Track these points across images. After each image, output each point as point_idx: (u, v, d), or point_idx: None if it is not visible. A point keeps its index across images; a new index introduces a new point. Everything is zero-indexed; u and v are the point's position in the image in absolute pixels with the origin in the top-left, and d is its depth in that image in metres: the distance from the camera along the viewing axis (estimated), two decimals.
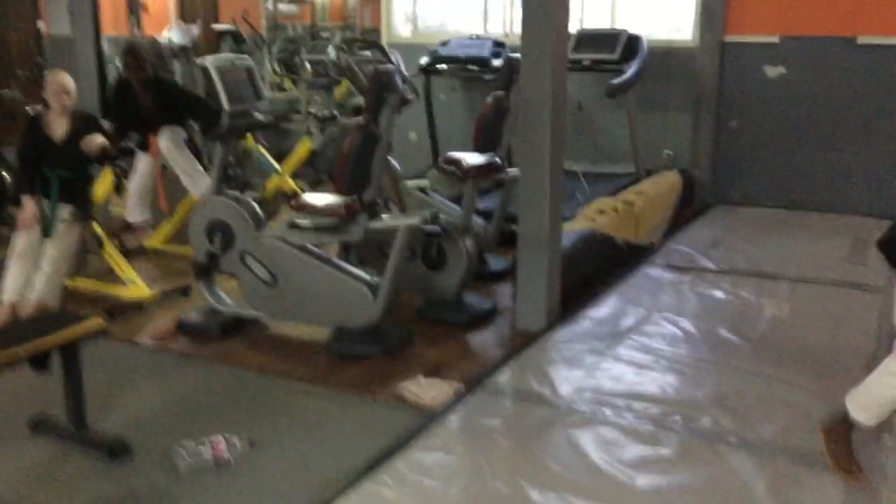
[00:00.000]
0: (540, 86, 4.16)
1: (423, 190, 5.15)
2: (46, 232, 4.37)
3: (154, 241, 5.80)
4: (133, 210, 5.77)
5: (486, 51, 7.26)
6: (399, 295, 4.16)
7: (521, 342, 4.16)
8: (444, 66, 7.41)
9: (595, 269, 5.12)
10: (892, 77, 6.53)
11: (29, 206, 4.36)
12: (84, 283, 4.89)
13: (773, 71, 6.94)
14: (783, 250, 5.83)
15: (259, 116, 4.64)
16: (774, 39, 6.88)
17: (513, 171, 4.78)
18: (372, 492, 2.84)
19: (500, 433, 3.28)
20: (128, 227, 5.80)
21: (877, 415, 2.86)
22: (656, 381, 3.72)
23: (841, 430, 2.94)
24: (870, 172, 6.68)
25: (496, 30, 8.23)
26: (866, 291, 4.88)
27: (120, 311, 4.55)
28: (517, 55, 4.95)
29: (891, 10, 6.45)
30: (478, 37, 7.69)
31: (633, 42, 6.78)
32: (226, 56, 5.57)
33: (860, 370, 3.39)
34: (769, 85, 6.96)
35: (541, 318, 4.34)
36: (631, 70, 6.47)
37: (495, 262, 5.26)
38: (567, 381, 3.71)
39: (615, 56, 6.67)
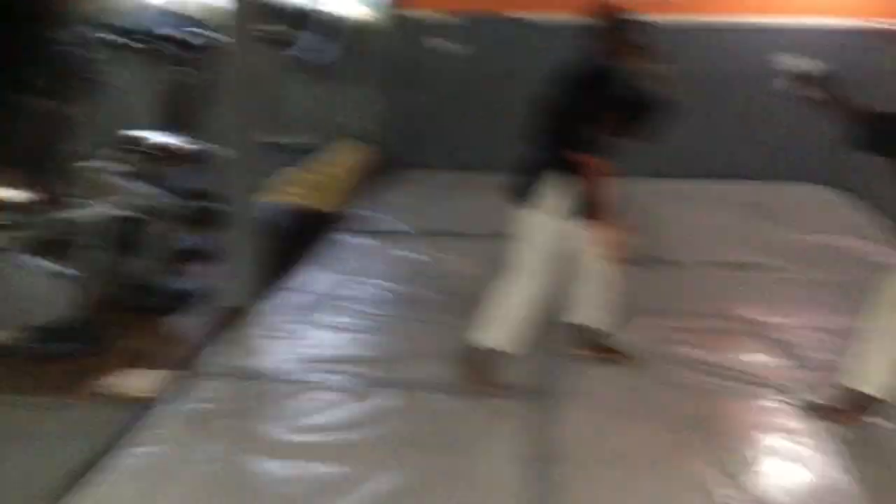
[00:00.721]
0: (234, 62, 4.20)
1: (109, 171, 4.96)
2: None
3: None
4: None
5: (175, 26, 7.02)
6: (99, 286, 4.03)
7: (227, 320, 4.23)
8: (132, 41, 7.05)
9: (293, 240, 5.30)
10: (551, 51, 7.31)
11: None
12: None
13: (448, 45, 7.48)
14: (463, 210, 6.42)
15: None
16: (448, 16, 7.41)
17: (208, 147, 4.76)
18: (91, 495, 2.78)
19: (215, 413, 3.35)
20: None
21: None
22: (359, 342, 4.04)
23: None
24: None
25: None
26: None
27: None
28: (212, 34, 4.95)
29: None
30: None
31: (316, 17, 6.94)
32: None
33: None
34: (444, 58, 7.50)
35: (244, 293, 4.44)
36: (319, 46, 6.65)
37: (192, 241, 5.23)
38: (276, 352, 3.89)
39: (300, 31, 6.79)
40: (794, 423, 3.31)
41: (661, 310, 4.40)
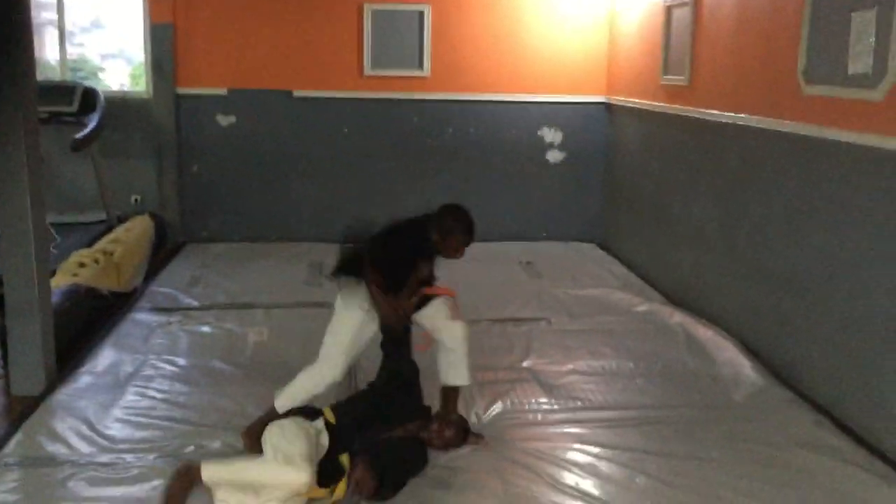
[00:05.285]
0: (12, 141, 4.17)
1: None
2: None
3: None
4: None
5: None
6: None
7: (23, 409, 4.13)
8: None
9: (85, 323, 5.22)
10: (323, 123, 7.77)
11: None
12: None
13: (225, 119, 7.68)
14: (254, 280, 6.55)
15: None
16: (223, 92, 7.62)
17: None
18: None
19: None
20: None
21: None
22: (163, 422, 4.05)
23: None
24: (317, 204, 7.83)
25: None
26: (324, 308, 5.81)
27: None
28: None
29: (318, 69, 7.67)
30: None
31: (89, 94, 6.93)
32: None
33: None
34: (223, 132, 7.69)
35: (39, 381, 4.35)
36: (93, 123, 6.63)
37: None
38: (81, 437, 3.84)
39: (74, 108, 6.75)
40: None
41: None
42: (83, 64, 8.59)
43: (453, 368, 3.90)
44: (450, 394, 3.94)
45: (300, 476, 3.17)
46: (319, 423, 3.51)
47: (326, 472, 3.33)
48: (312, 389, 3.81)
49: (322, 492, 3.32)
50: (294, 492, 3.18)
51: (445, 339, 3.87)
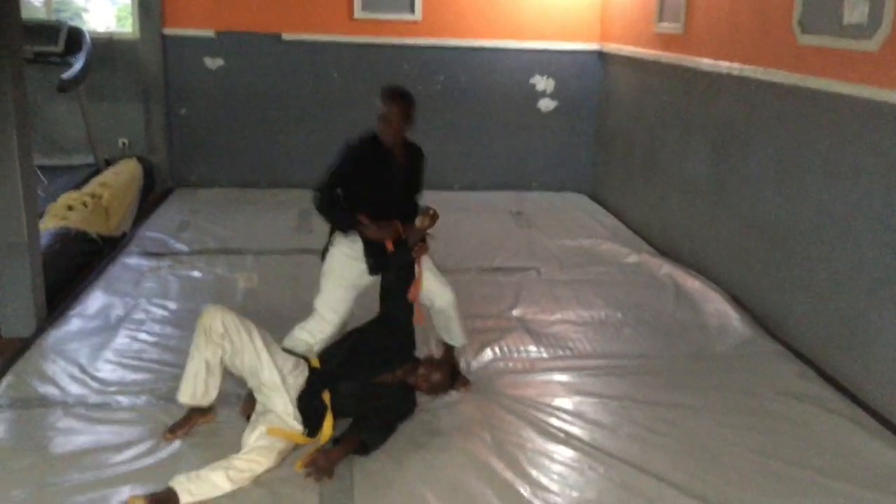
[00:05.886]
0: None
1: None
2: None
3: None
4: None
5: None
6: None
7: (13, 350, 4.14)
8: None
9: (75, 266, 5.21)
10: (313, 68, 7.67)
11: None
12: None
13: (213, 62, 7.57)
14: (244, 226, 6.53)
15: None
16: (210, 34, 7.49)
17: None
18: None
19: (12, 444, 3.33)
20: None
21: None
22: (155, 365, 4.06)
23: None
24: (307, 150, 7.75)
25: None
26: (314, 255, 5.81)
27: None
28: None
29: (307, 11, 7.53)
30: None
31: (75, 34, 6.80)
32: None
33: None
34: (211, 75, 7.57)
35: (29, 322, 4.35)
36: (79, 63, 6.52)
37: None
38: (72, 379, 3.86)
39: (59, 48, 6.63)
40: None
41: None
42: (66, 5, 8.42)
43: (447, 331, 3.97)
44: (448, 349, 4.05)
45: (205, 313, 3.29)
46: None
47: (309, 412, 3.36)
48: (307, 339, 3.79)
49: (308, 440, 3.36)
50: (209, 322, 3.27)
51: (437, 303, 3.89)
